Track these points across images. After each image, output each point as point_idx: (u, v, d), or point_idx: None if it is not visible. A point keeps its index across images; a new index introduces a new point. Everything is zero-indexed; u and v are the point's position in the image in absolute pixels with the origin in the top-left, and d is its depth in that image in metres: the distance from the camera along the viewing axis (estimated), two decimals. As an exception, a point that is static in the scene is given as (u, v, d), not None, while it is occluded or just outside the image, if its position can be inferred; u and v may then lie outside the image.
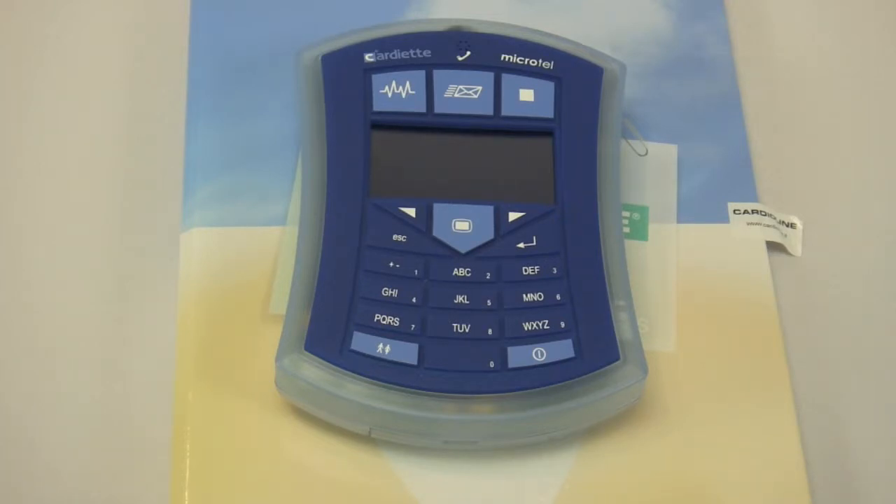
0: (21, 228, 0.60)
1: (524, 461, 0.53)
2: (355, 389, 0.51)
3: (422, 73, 0.57)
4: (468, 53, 0.58)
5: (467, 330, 0.52)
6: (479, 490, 0.53)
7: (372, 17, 0.60)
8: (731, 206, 0.60)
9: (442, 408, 0.51)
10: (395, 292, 0.53)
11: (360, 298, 0.53)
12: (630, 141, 0.61)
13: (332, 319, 0.52)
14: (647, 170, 0.60)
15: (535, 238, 0.54)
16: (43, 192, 0.60)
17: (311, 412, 0.53)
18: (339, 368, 0.52)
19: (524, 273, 0.54)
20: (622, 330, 0.53)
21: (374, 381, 0.51)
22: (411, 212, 0.55)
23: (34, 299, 0.58)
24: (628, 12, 0.65)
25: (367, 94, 0.57)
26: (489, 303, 0.53)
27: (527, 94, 0.57)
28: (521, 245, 0.54)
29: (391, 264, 0.53)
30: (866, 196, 0.63)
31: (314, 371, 0.52)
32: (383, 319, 0.52)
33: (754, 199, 0.60)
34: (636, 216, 0.59)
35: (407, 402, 0.51)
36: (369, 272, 0.53)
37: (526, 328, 0.53)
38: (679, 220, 0.59)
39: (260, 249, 0.57)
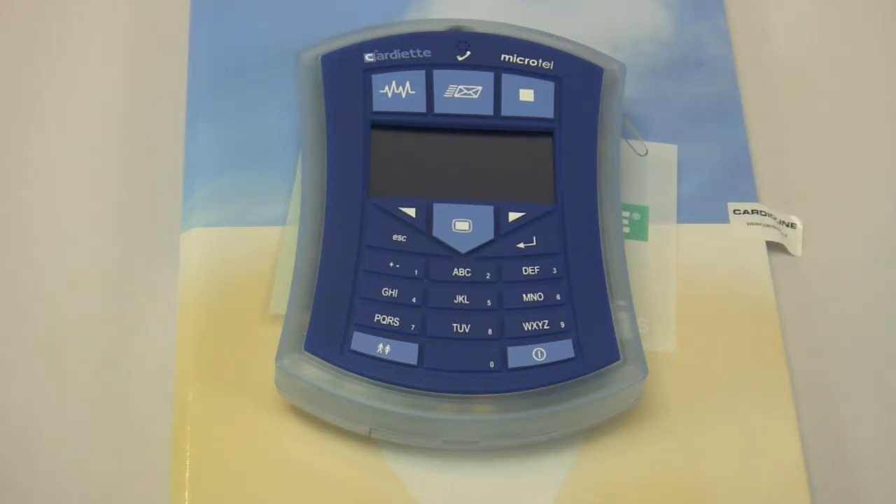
0: (21, 228, 0.60)
1: (524, 461, 0.53)
2: (355, 389, 0.51)
3: (422, 73, 0.57)
4: (468, 53, 0.58)
5: (467, 330, 0.52)
6: (479, 490, 0.53)
7: (372, 17, 0.60)
8: (731, 206, 0.60)
9: (441, 408, 0.51)
10: (395, 292, 0.53)
11: (359, 298, 0.53)
12: (630, 141, 0.61)
13: (332, 319, 0.52)
14: (647, 170, 0.60)
15: (534, 238, 0.54)
16: (43, 191, 0.60)
17: (310, 412, 0.53)
18: (338, 368, 0.52)
19: (524, 273, 0.54)
20: (622, 330, 0.53)
21: (374, 381, 0.51)
22: (411, 212, 0.55)
23: (34, 299, 0.58)
24: (628, 12, 0.65)
25: (367, 94, 0.57)
26: (489, 303, 0.53)
27: (527, 94, 0.57)
28: (521, 245, 0.54)
29: (391, 264, 0.53)
30: (866, 196, 0.63)
31: (314, 371, 0.52)
32: (383, 319, 0.52)
33: (754, 199, 0.60)
34: (636, 216, 0.59)
35: (407, 402, 0.51)
36: (369, 272, 0.53)
37: (526, 328, 0.53)
38: (679, 220, 0.59)
39: (260, 249, 0.57)
